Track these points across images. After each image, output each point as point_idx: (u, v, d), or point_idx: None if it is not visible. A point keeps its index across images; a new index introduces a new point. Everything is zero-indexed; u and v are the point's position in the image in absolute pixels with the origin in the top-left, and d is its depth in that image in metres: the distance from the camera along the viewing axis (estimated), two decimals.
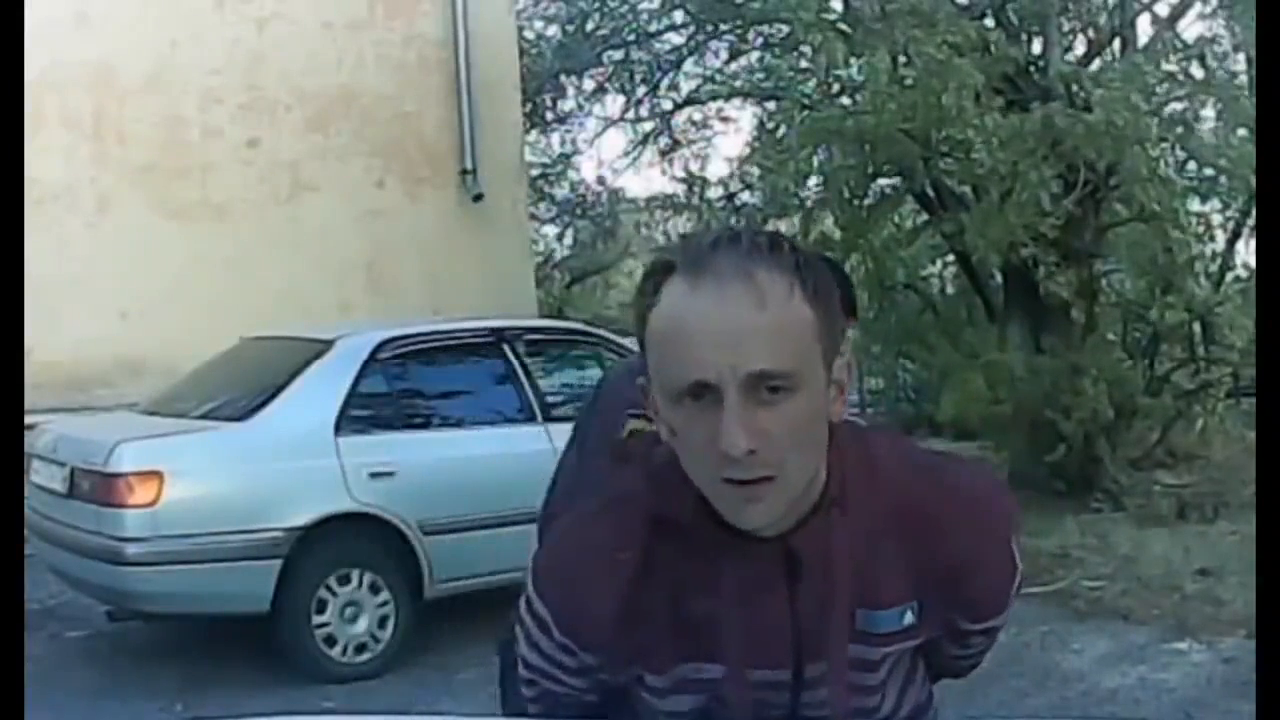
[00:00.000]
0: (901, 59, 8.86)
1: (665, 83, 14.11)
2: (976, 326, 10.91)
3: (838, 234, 9.83)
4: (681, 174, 14.66)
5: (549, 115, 15.27)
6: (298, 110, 10.25)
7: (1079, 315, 9.36)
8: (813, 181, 9.70)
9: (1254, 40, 8.34)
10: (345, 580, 6.00)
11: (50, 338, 8.37)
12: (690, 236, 1.45)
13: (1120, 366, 9.33)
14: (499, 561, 5.63)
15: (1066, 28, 10.20)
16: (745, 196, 12.77)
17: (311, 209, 10.20)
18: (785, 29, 11.11)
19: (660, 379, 1.38)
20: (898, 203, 10.74)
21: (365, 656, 6.00)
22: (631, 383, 2.49)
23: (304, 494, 5.93)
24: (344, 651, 5.96)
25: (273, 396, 6.11)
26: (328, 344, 6.37)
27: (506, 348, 6.65)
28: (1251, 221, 9.29)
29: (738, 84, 13.34)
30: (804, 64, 10.44)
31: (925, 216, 10.58)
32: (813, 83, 10.20)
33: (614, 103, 14.81)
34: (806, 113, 9.58)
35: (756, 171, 11.04)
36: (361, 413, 6.18)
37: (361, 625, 6.00)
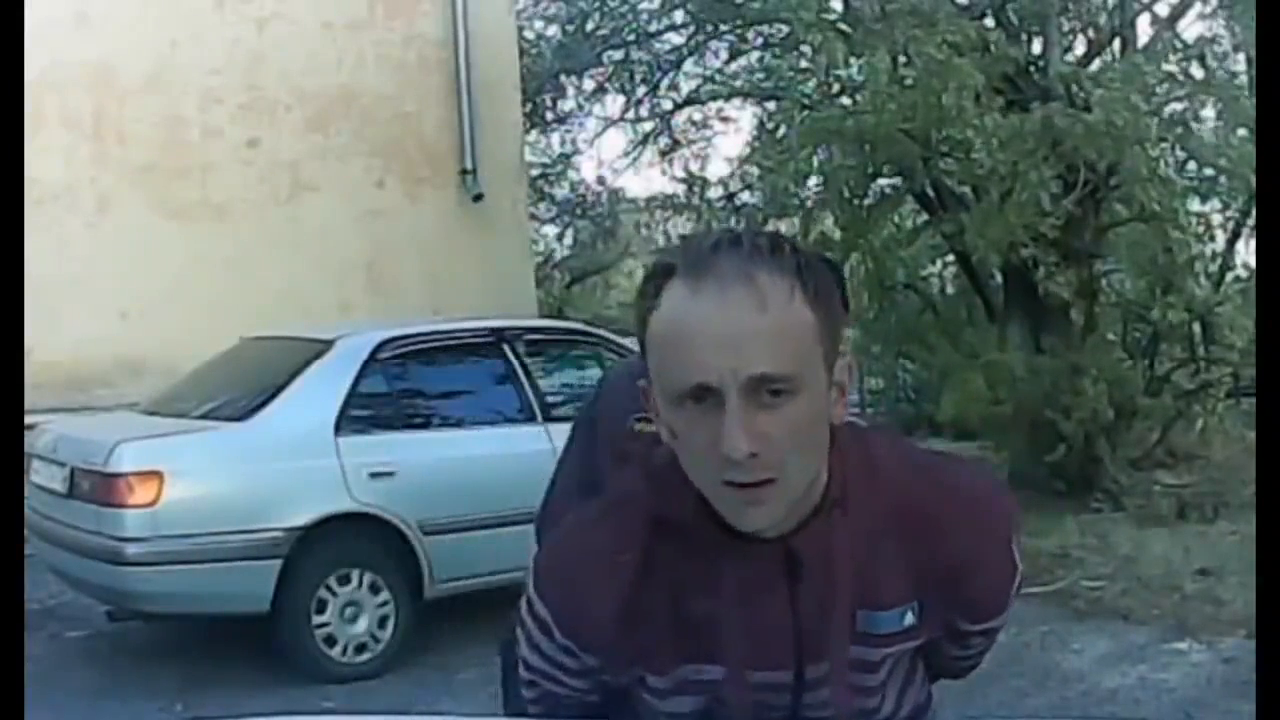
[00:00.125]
0: (901, 59, 8.86)
1: (665, 83, 14.12)
2: (976, 326, 10.90)
3: (838, 234, 9.83)
4: (681, 174, 14.68)
5: (549, 115, 15.28)
6: (298, 110, 10.25)
7: (1079, 315, 9.37)
8: (813, 181, 9.70)
9: (1254, 40, 8.34)
10: (345, 580, 6.00)
11: (50, 338, 8.37)
12: (691, 239, 1.45)
13: (1120, 366, 9.33)
14: (499, 561, 5.63)
15: (1066, 28, 10.20)
16: (745, 196, 12.78)
17: (311, 209, 10.20)
18: (785, 29, 11.11)
19: (661, 381, 1.37)
20: (898, 203, 10.74)
21: (365, 656, 6.00)
22: (633, 384, 2.50)
23: (304, 494, 5.93)
24: (344, 651, 5.96)
25: (273, 396, 6.11)
26: (328, 344, 6.37)
27: (506, 348, 6.65)
28: (1251, 221, 9.29)
29: (738, 84, 13.34)
30: (804, 64, 10.45)
31: (925, 216, 10.58)
32: (813, 83, 10.20)
33: (614, 103, 14.84)
34: (806, 113, 9.58)
35: (756, 171, 11.04)
36: (361, 413, 6.18)
37: (361, 625, 6.00)
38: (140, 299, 9.35)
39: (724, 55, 13.62)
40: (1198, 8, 10.30)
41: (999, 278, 10.08)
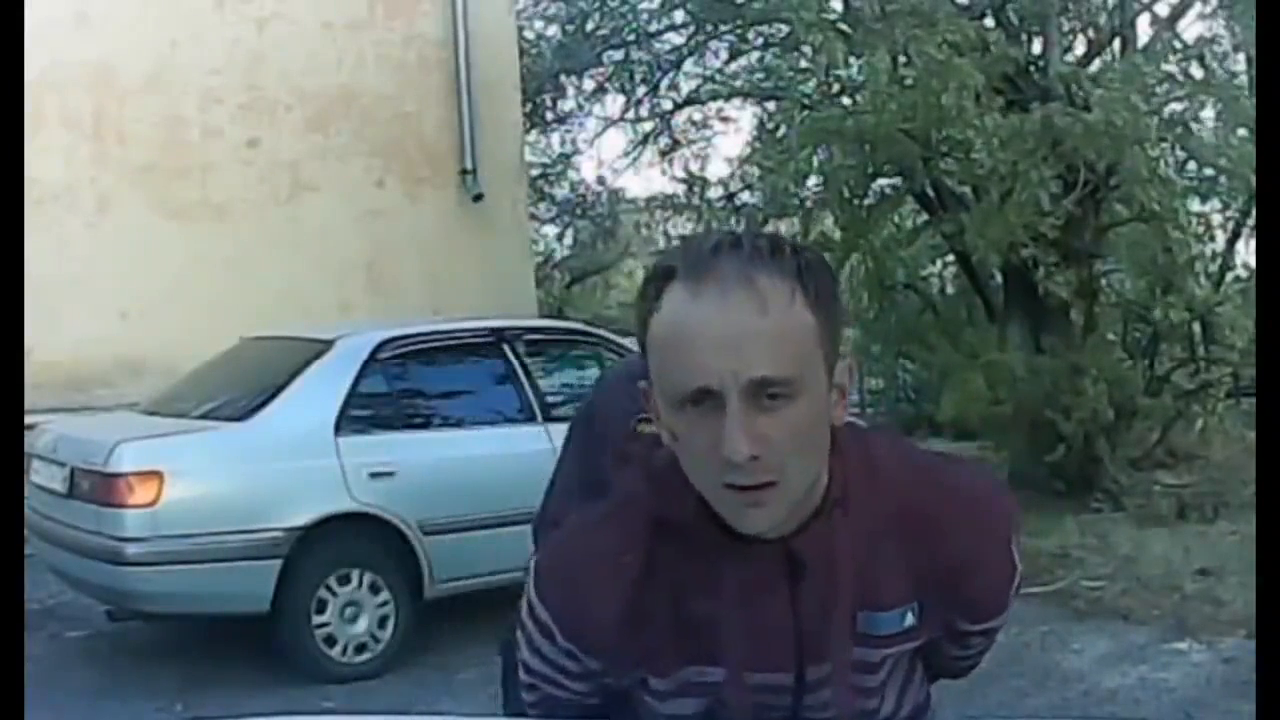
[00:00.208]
0: (901, 59, 8.86)
1: (665, 83, 14.11)
2: (976, 326, 10.90)
3: (838, 234, 9.84)
4: (681, 174, 14.67)
5: (549, 115, 15.27)
6: (298, 110, 10.25)
7: (1079, 315, 9.37)
8: (813, 181, 9.70)
9: (1254, 40, 8.34)
10: (345, 580, 6.00)
11: (50, 338, 8.37)
12: (691, 240, 1.45)
13: (1120, 366, 9.33)
14: (499, 561, 5.62)
15: (1066, 28, 10.20)
16: (745, 196, 12.78)
17: (311, 209, 10.21)
18: (785, 29, 11.11)
19: (662, 384, 1.37)
20: (898, 203, 10.73)
21: (365, 656, 6.00)
22: (631, 384, 2.50)
23: (304, 494, 5.93)
24: (344, 651, 5.96)
25: (273, 396, 6.11)
26: (328, 344, 6.37)
27: (506, 348, 6.65)
28: (1251, 221, 9.29)
29: (738, 84, 13.33)
30: (804, 64, 10.44)
31: (925, 216, 10.58)
32: (813, 83, 10.20)
33: (614, 103, 14.83)
34: (806, 113, 9.58)
35: (756, 171, 11.04)
36: (361, 413, 6.18)
37: (361, 625, 6.00)
38: (140, 299, 9.35)
39: (724, 55, 13.61)
40: (1198, 8, 10.31)
41: (999, 278, 10.08)
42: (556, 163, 16.92)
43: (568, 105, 15.18)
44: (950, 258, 11.09)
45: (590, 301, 19.24)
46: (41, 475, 6.11)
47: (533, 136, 15.07)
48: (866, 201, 10.05)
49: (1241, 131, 8.66)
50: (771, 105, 12.17)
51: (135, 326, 9.30)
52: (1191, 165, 9.47)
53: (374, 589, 6.04)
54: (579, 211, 18.01)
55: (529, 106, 13.24)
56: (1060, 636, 6.25)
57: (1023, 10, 9.82)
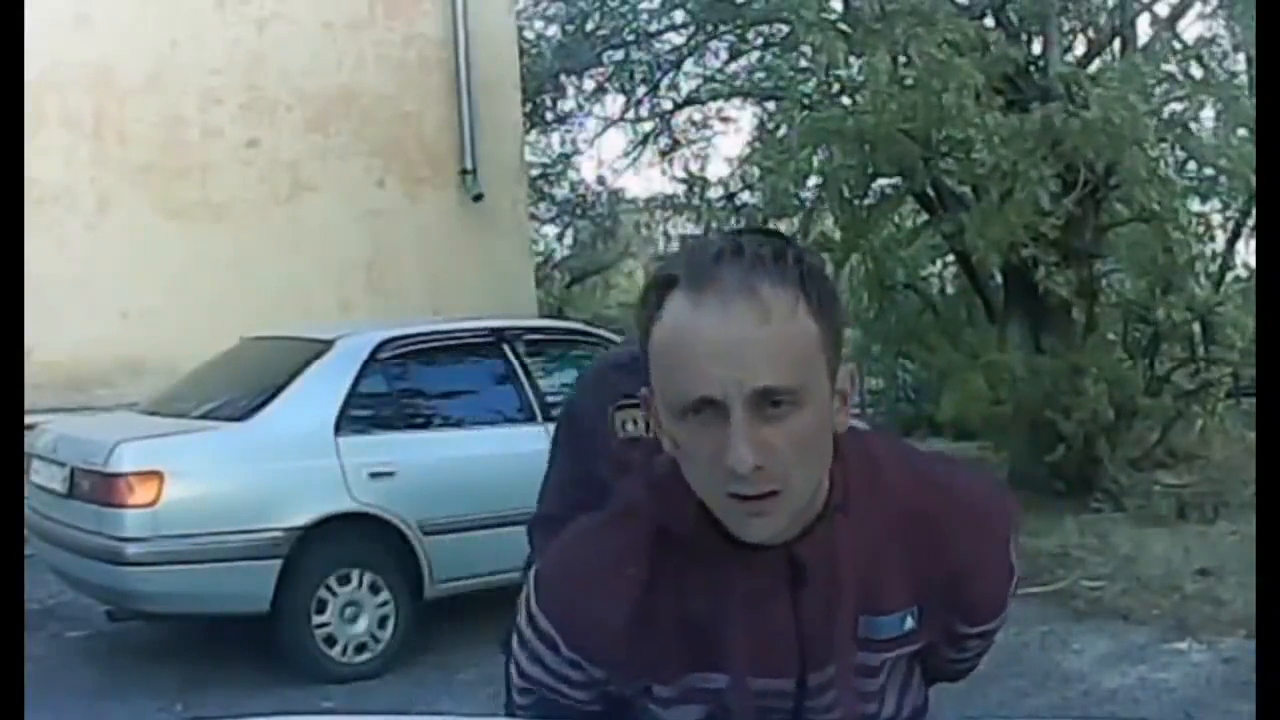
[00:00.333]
0: (901, 59, 8.86)
1: (665, 83, 14.11)
2: (976, 326, 10.91)
3: (838, 234, 9.84)
4: (681, 174, 14.64)
5: (549, 115, 15.27)
6: (298, 110, 10.25)
7: (1079, 315, 9.37)
8: (813, 181, 9.69)
9: (1254, 40, 8.34)
10: (345, 580, 6.00)
11: (50, 338, 8.37)
12: (693, 247, 1.43)
13: (1120, 366, 9.33)
14: (499, 561, 5.59)
15: (1066, 28, 10.20)
16: (745, 196, 12.75)
17: (311, 209, 10.21)
18: (785, 29, 11.11)
19: (664, 393, 1.37)
20: (898, 203, 10.73)
21: (365, 656, 6.00)
22: (605, 378, 2.56)
23: (304, 494, 5.93)
24: (344, 651, 5.96)
25: (273, 396, 6.11)
26: (328, 344, 6.37)
27: (506, 348, 6.65)
28: (1251, 221, 9.29)
29: (738, 84, 13.33)
30: (804, 64, 10.44)
31: (925, 216, 10.58)
32: (813, 83, 10.19)
33: (614, 103, 14.83)
34: (806, 113, 9.57)
35: (756, 171, 11.03)
36: (361, 413, 6.18)
37: (361, 625, 6.00)
38: (140, 299, 9.35)
39: (724, 55, 13.61)
40: (1198, 8, 10.31)
41: (999, 278, 10.08)
42: (556, 163, 16.91)
43: (568, 105, 15.19)
44: (950, 258, 11.09)
45: (590, 301, 19.23)
46: (41, 475, 6.11)
47: (533, 136, 15.07)
48: (866, 201, 10.04)
49: (1241, 131, 8.66)
50: (771, 105, 12.17)
51: (135, 326, 9.30)
52: (1191, 165, 9.46)
53: (374, 589, 6.04)
54: (579, 211, 18.00)
55: (529, 106, 13.24)
56: (1060, 636, 6.25)
57: (1023, 10, 9.82)
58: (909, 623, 1.50)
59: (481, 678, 5.17)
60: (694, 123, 14.80)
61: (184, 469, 5.80)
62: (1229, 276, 9.59)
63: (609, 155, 20.80)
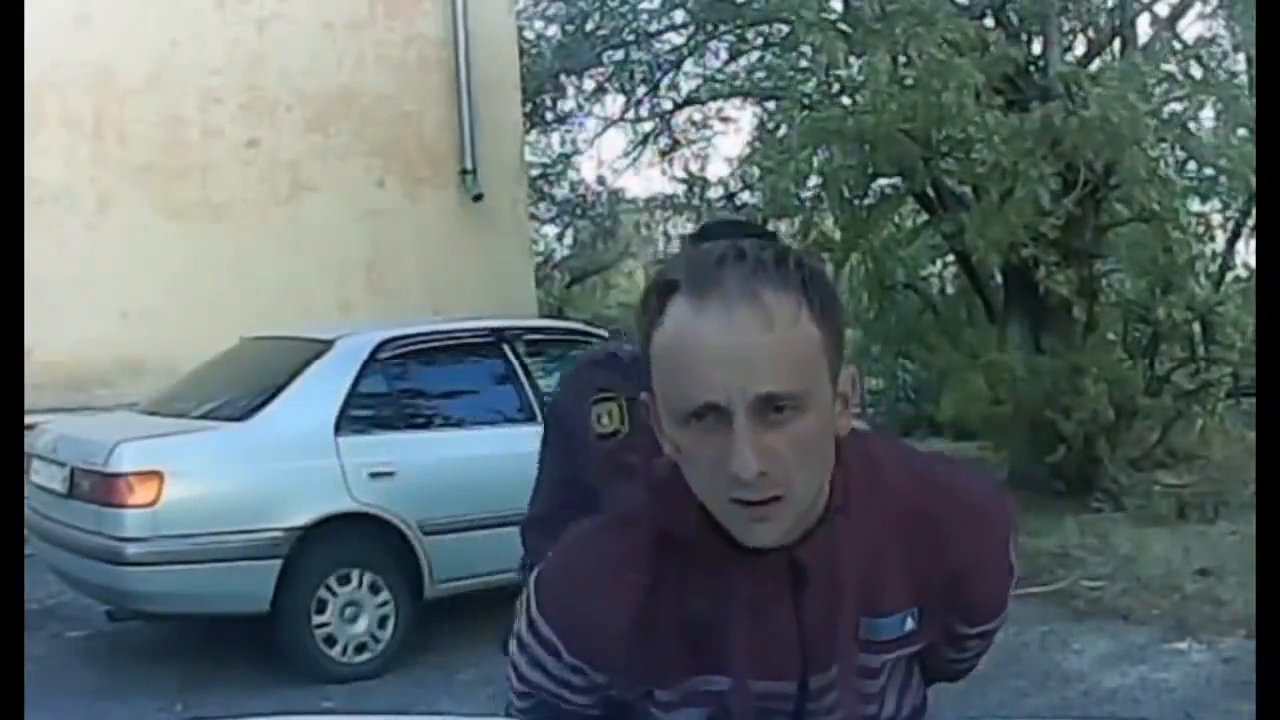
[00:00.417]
0: (901, 59, 8.86)
1: (665, 83, 14.10)
2: (976, 326, 10.91)
3: (838, 234, 9.84)
4: (681, 174, 14.64)
5: (549, 115, 15.26)
6: (298, 110, 10.25)
7: (1079, 315, 9.36)
8: (813, 181, 9.69)
9: (1254, 40, 8.34)
10: (345, 580, 6.00)
11: (50, 338, 8.37)
12: (694, 251, 1.43)
13: (1120, 366, 9.33)
14: (499, 561, 5.56)
15: (1066, 28, 10.20)
16: (745, 196, 12.76)
17: (311, 209, 10.20)
18: (785, 29, 11.11)
19: (666, 399, 1.36)
20: (898, 203, 10.73)
21: (365, 656, 5.99)
22: (589, 372, 2.62)
23: (304, 494, 5.93)
24: (344, 651, 5.96)
25: (273, 396, 6.11)
26: (328, 344, 6.37)
27: (506, 348, 6.65)
28: (1251, 221, 9.29)
29: (738, 84, 13.32)
30: (804, 64, 10.44)
31: (925, 216, 10.58)
32: (813, 83, 10.19)
33: (614, 103, 14.82)
34: (806, 113, 9.57)
35: (756, 171, 11.03)
36: (361, 413, 6.18)
37: (361, 625, 6.00)
38: (140, 299, 9.35)
39: (724, 55, 13.61)
40: (1198, 8, 10.31)
41: (999, 278, 10.08)
42: (556, 163, 16.91)
43: (568, 105, 15.18)
44: (950, 258, 11.09)
45: (590, 301, 19.22)
46: (41, 475, 6.11)
47: (533, 136, 15.06)
48: (866, 201, 10.05)
49: (1241, 131, 8.66)
50: (771, 105, 12.16)
51: (135, 326, 9.30)
52: (1191, 165, 9.46)
53: (374, 589, 6.04)
54: (579, 211, 18.00)
55: (529, 106, 13.23)
56: (1060, 636, 6.25)
57: (1023, 10, 9.83)
58: (909, 624, 1.50)
59: (481, 678, 5.18)
60: (694, 123, 14.80)
61: (184, 469, 5.80)
62: (1229, 276, 9.60)
63: (609, 155, 20.79)
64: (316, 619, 5.90)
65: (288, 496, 5.91)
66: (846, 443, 1.43)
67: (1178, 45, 10.02)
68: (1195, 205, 9.26)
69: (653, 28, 13.58)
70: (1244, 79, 9.73)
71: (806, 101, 9.88)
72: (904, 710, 1.61)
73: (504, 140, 11.15)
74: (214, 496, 5.82)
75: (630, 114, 14.71)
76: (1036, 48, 9.99)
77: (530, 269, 11.97)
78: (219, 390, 6.51)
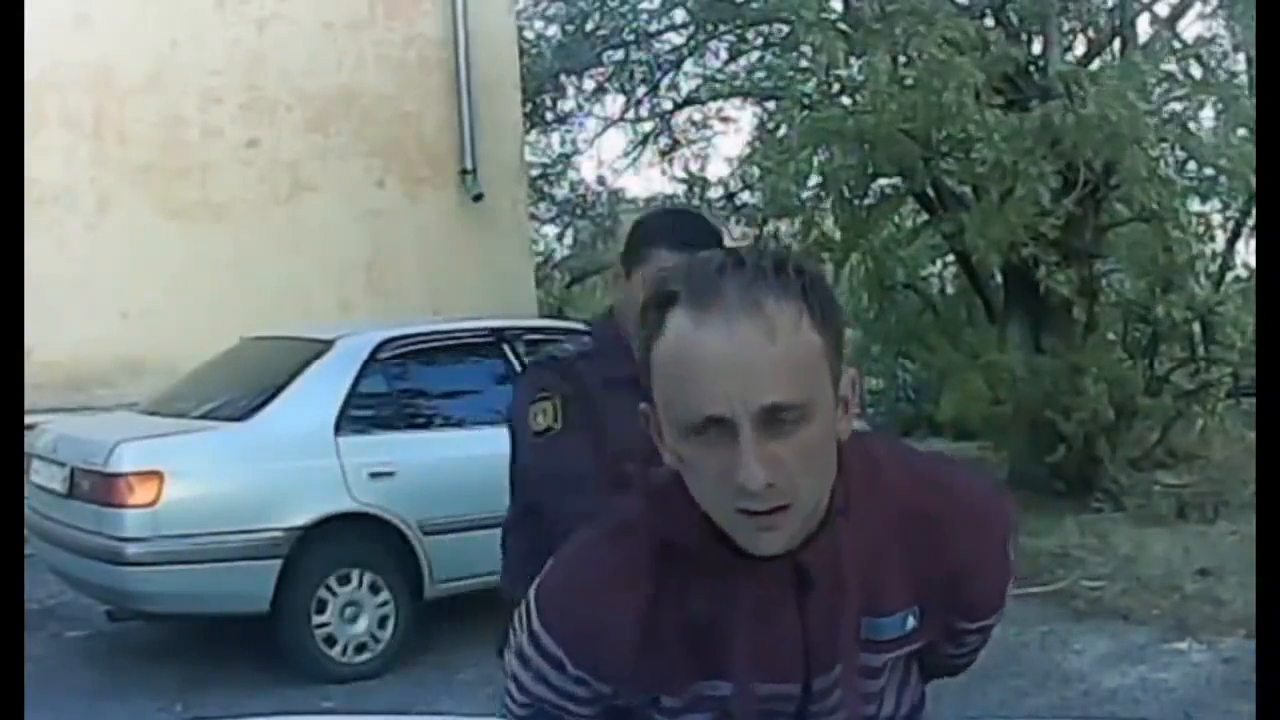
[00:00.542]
0: (901, 59, 8.86)
1: (665, 83, 14.10)
2: (976, 326, 10.92)
3: (838, 234, 9.84)
4: (681, 174, 14.65)
5: (549, 115, 15.26)
6: (298, 110, 10.25)
7: (1079, 315, 9.37)
8: (813, 181, 9.69)
9: (1254, 40, 8.34)
10: (345, 580, 6.00)
11: (50, 338, 8.37)
12: (692, 262, 1.40)
13: (1120, 366, 9.33)
14: (499, 562, 5.61)
15: (1066, 27, 10.20)
16: (745, 196, 12.77)
17: (311, 209, 10.20)
18: (785, 29, 11.10)
19: (669, 411, 1.35)
20: (898, 203, 10.73)
21: (365, 656, 6.00)
22: (533, 373, 2.73)
23: (304, 494, 5.93)
24: (344, 651, 5.96)
25: (273, 396, 6.11)
26: (328, 344, 6.37)
27: (506, 348, 6.64)
28: (1251, 221, 9.29)
29: (738, 84, 13.32)
30: (804, 64, 10.44)
31: (925, 216, 10.58)
32: (813, 83, 10.19)
33: (614, 103, 14.82)
34: (806, 113, 9.57)
35: (756, 171, 11.04)
36: (361, 413, 6.18)
37: (361, 625, 6.00)
38: (140, 299, 9.35)
39: (724, 55, 13.61)
40: (1198, 8, 10.31)
41: (999, 278, 10.08)
42: (556, 163, 16.90)
43: (568, 105, 15.17)
44: (950, 258, 11.09)
45: (590, 301, 19.18)
46: (41, 475, 6.11)
47: (533, 136, 15.05)
48: (866, 201, 10.04)
49: (1241, 131, 8.66)
50: (771, 105, 12.16)
51: (135, 326, 9.30)
52: (1191, 165, 9.46)
53: (374, 589, 6.04)
54: (579, 211, 17.98)
55: (529, 106, 13.22)
56: (1060, 636, 6.25)
57: (1023, 10, 9.83)
58: (910, 622, 1.50)
59: (481, 678, 5.17)
60: (694, 123, 14.79)
61: (184, 469, 5.80)
62: (1229, 276, 9.60)
63: (609, 155, 20.74)
64: (316, 619, 5.90)
65: (288, 496, 5.91)
66: (847, 444, 1.43)
67: (1178, 45, 10.03)
68: (1195, 205, 9.26)
69: (653, 28, 13.58)
70: (1244, 79, 9.73)
71: (806, 101, 9.88)
72: (903, 708, 1.62)
73: (504, 140, 11.15)
74: (214, 496, 5.82)
75: (630, 114, 14.71)
76: (1036, 47, 9.99)
77: (530, 269, 11.97)
78: (219, 390, 6.51)
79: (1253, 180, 7.90)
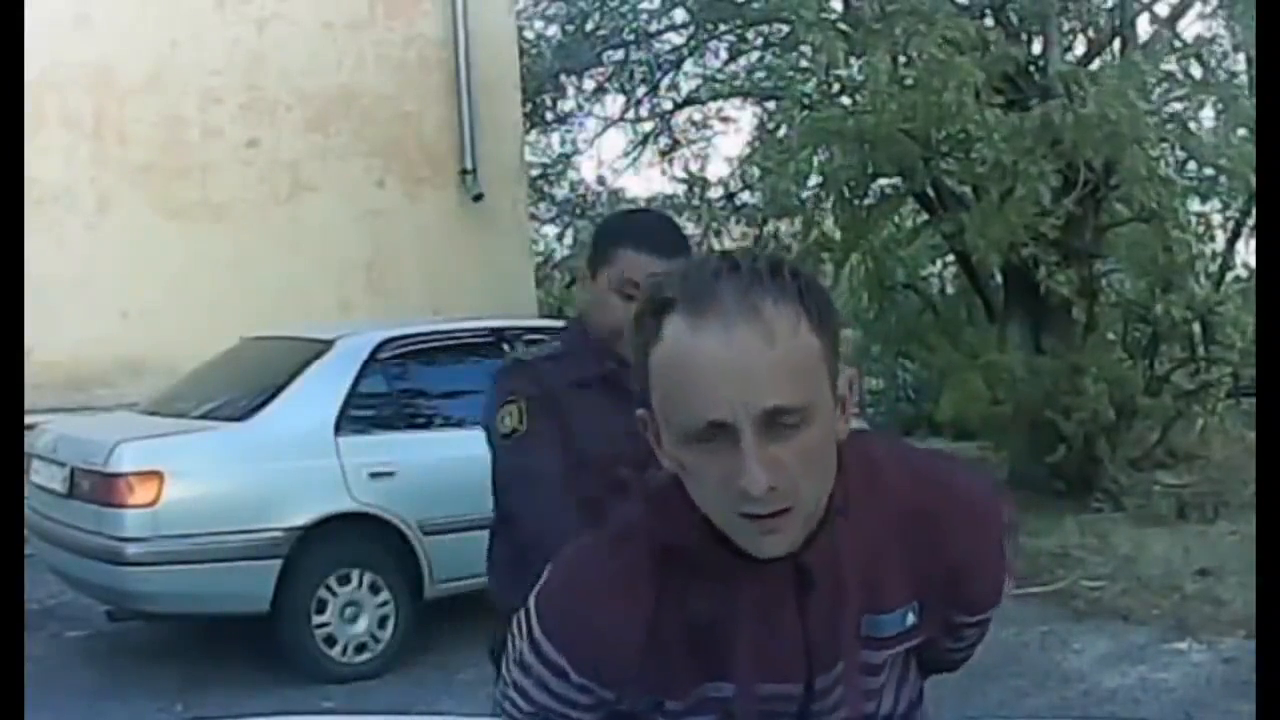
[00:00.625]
0: (901, 59, 8.86)
1: (665, 83, 14.10)
2: (976, 326, 10.92)
3: (838, 234, 9.84)
4: (681, 174, 14.64)
5: (549, 115, 15.26)
6: (298, 110, 10.25)
7: (1079, 315, 9.37)
8: (813, 181, 9.69)
9: (1254, 40, 8.34)
10: (345, 580, 6.00)
11: (50, 338, 8.37)
12: (687, 267, 1.39)
13: (1120, 366, 9.33)
14: None
15: (1066, 27, 10.20)
16: (745, 196, 12.77)
17: (311, 209, 10.20)
18: (785, 29, 11.11)
19: (669, 418, 1.35)
20: (898, 203, 10.74)
21: (365, 656, 6.00)
22: (503, 377, 2.79)
23: (304, 494, 5.93)
24: (344, 651, 5.96)
25: (273, 396, 6.11)
26: (328, 344, 6.37)
27: (506, 348, 6.64)
28: (1251, 221, 9.29)
29: (738, 84, 13.33)
30: (804, 64, 10.44)
31: (925, 216, 10.58)
32: (813, 83, 10.20)
33: (614, 103, 14.82)
34: (806, 113, 9.57)
35: (756, 171, 11.04)
36: (361, 413, 6.18)
37: (361, 625, 6.00)
38: (140, 299, 9.35)
39: (724, 55, 13.61)
40: (1198, 7, 10.31)
41: (999, 278, 10.08)
42: (556, 163, 16.89)
43: (568, 105, 15.17)
44: (950, 258, 11.09)
45: None
46: (41, 475, 6.11)
47: (533, 136, 15.05)
48: (866, 201, 10.05)
49: (1241, 131, 8.66)
50: (771, 105, 12.16)
51: (135, 326, 9.30)
52: (1191, 165, 9.46)
53: (374, 589, 6.04)
54: (579, 211, 17.97)
55: (529, 106, 13.22)
56: (1060, 636, 6.25)
57: (1023, 10, 9.83)
58: (910, 618, 1.50)
59: (481, 678, 5.14)
60: (694, 123, 14.79)
61: (184, 469, 5.80)
62: (1229, 276, 9.60)
63: (609, 155, 20.73)
64: (316, 619, 5.90)
65: (288, 496, 5.91)
66: (845, 444, 1.43)
67: (1178, 44, 10.02)
68: (1195, 205, 9.26)
69: (653, 28, 13.58)
70: (1244, 79, 9.73)
71: (806, 101, 9.89)
72: (901, 704, 1.62)
73: (504, 140, 11.15)
74: (214, 496, 5.82)
75: (630, 114, 14.71)
76: (1036, 47, 9.99)
77: (530, 269, 11.97)
78: (219, 390, 6.51)
79: (1253, 180, 7.90)
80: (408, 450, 6.16)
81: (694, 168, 14.63)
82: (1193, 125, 9.45)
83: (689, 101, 14.35)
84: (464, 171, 10.77)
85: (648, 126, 14.83)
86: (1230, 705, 5.15)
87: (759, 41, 12.85)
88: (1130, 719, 5.21)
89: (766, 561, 1.40)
